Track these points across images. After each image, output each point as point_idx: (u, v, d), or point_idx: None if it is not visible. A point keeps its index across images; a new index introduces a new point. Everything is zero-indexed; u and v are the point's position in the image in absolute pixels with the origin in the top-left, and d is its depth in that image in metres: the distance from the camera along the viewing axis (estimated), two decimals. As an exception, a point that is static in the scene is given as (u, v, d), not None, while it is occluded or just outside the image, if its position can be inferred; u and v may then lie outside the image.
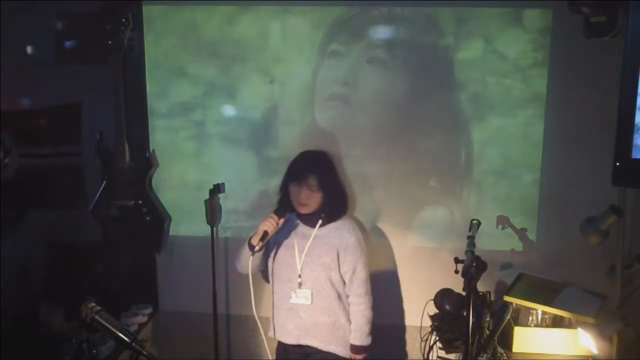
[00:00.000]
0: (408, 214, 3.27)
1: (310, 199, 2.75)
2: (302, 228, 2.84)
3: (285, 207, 2.80)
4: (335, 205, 2.82)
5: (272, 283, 2.90)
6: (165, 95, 3.35)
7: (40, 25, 3.39)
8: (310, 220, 2.83)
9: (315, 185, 2.73)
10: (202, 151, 3.39)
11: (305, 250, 2.78)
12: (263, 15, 3.20)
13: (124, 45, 3.15)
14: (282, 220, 2.72)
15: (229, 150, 3.36)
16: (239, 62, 3.26)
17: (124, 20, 3.13)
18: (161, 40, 3.30)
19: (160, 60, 3.32)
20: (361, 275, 2.82)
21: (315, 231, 2.80)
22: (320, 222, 2.81)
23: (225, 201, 3.34)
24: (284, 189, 2.84)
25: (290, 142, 3.26)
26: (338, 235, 2.80)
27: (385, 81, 3.17)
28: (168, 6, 3.26)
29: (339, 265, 2.80)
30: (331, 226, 2.83)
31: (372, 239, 3.25)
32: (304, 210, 2.78)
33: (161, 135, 3.40)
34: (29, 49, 3.37)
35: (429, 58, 3.14)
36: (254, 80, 3.27)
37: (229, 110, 3.34)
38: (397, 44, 3.15)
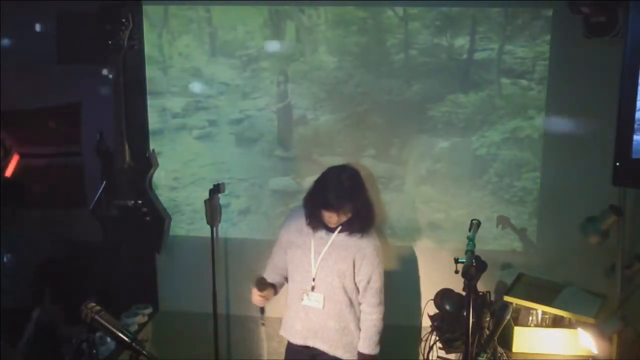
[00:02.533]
0: (411, 214, 3.27)
1: (342, 219, 2.69)
2: (320, 231, 2.76)
3: (314, 224, 2.73)
4: (361, 221, 2.73)
5: (288, 281, 2.87)
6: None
7: (41, 25, 3.39)
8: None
9: (350, 210, 2.66)
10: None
11: (321, 255, 2.73)
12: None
13: (124, 45, 3.15)
14: (266, 292, 2.70)
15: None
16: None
17: (124, 20, 3.13)
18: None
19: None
20: (376, 285, 2.74)
21: (334, 236, 2.75)
22: (340, 227, 2.73)
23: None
24: (316, 210, 2.70)
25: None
26: (356, 244, 2.72)
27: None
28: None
29: (354, 273, 2.74)
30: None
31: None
32: (333, 226, 2.71)
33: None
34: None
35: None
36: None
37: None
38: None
